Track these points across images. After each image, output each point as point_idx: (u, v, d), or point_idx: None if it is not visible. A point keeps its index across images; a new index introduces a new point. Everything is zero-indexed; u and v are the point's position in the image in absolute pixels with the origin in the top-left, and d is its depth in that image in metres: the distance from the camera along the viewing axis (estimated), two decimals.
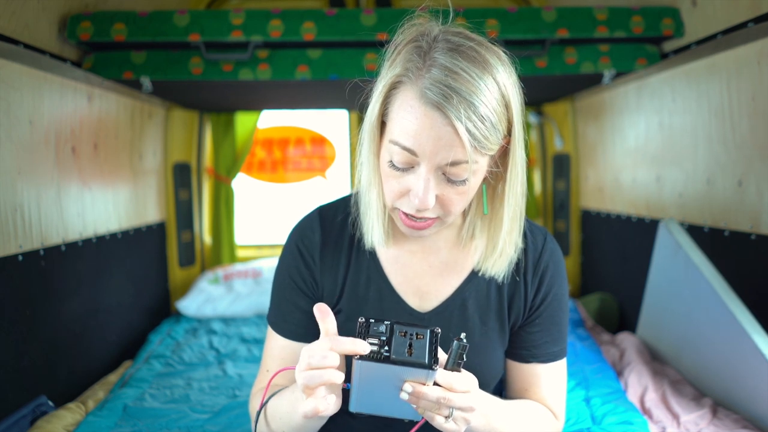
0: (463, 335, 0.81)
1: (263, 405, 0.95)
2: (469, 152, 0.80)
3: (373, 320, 0.79)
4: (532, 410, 1.00)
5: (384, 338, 0.78)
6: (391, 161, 0.85)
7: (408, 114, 0.82)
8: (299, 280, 1.02)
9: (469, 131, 0.79)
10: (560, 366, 1.04)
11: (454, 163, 0.82)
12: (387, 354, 0.77)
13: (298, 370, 0.78)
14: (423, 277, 1.01)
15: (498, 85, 0.82)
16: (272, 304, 1.06)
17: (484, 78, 0.81)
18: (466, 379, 0.80)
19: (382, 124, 0.89)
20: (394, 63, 0.86)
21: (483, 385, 0.98)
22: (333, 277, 1.01)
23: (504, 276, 1.00)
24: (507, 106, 0.84)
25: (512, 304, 1.01)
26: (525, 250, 1.01)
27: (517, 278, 1.01)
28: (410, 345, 0.78)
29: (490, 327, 1.00)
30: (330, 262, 1.01)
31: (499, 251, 0.97)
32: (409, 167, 0.84)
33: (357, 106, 0.94)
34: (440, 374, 0.79)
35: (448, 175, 0.84)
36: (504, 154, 0.90)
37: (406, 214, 0.89)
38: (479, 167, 0.85)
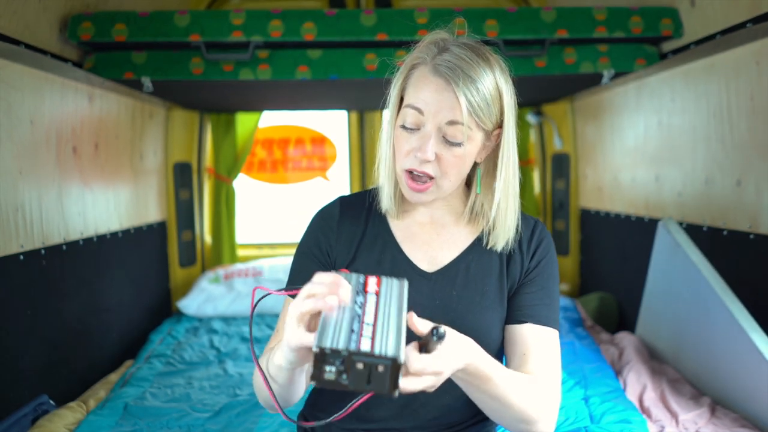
0: (443, 328, 0.79)
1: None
2: (465, 115, 0.98)
3: (329, 350, 0.74)
4: (519, 376, 1.04)
5: (342, 368, 0.74)
6: (403, 125, 1.03)
7: (421, 83, 1.02)
8: (314, 247, 1.13)
9: (466, 97, 0.98)
10: (552, 335, 1.10)
11: (451, 122, 0.99)
12: (345, 383, 0.74)
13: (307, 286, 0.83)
14: (431, 245, 1.13)
15: (494, 77, 1.02)
16: (289, 277, 1.15)
17: (485, 68, 1.01)
18: (437, 362, 0.82)
19: (401, 100, 1.06)
20: (415, 52, 1.06)
21: (481, 344, 1.04)
22: (348, 243, 1.13)
23: (505, 247, 1.11)
24: (500, 96, 1.03)
25: (510, 268, 1.12)
26: (518, 229, 1.13)
27: (515, 248, 1.12)
28: (369, 375, 0.75)
29: (490, 288, 1.10)
30: (347, 231, 1.14)
31: (500, 224, 1.09)
32: (416, 128, 1.02)
33: (380, 104, 1.11)
34: (413, 361, 0.79)
35: (447, 137, 1.00)
36: (498, 142, 1.06)
37: (410, 175, 1.03)
38: (473, 135, 1.01)
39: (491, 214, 1.09)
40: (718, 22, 1.72)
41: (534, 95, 2.74)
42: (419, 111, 1.01)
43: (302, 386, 1.02)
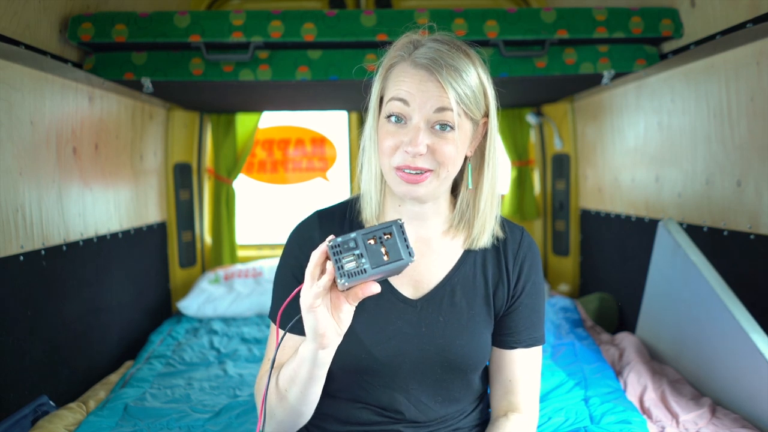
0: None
1: (268, 388, 0.99)
2: (452, 101, 0.95)
3: (340, 239, 0.82)
4: None
5: (358, 252, 0.81)
6: (388, 116, 0.99)
7: (401, 77, 0.98)
8: (300, 275, 1.06)
9: (451, 85, 0.95)
10: (538, 352, 1.12)
11: (440, 109, 0.95)
12: (365, 267, 0.81)
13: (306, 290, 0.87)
14: (416, 267, 1.08)
15: (477, 74, 0.99)
16: (274, 304, 1.11)
17: (465, 60, 0.98)
18: None
19: (381, 102, 1.02)
20: (389, 54, 1.03)
21: (471, 367, 1.07)
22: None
23: (489, 244, 1.08)
24: (484, 93, 1.00)
25: (497, 293, 1.10)
26: (505, 242, 1.11)
27: (500, 268, 1.10)
28: (383, 246, 0.82)
29: (477, 311, 1.08)
30: None
31: (487, 216, 1.06)
32: (402, 120, 0.98)
33: (362, 106, 1.07)
34: None
35: (437, 125, 0.96)
36: (485, 131, 1.04)
37: (403, 170, 0.97)
38: (462, 123, 0.98)
39: (479, 207, 1.05)
40: (718, 23, 1.72)
41: (534, 96, 2.74)
42: (404, 102, 0.96)
43: (316, 397, 1.00)
